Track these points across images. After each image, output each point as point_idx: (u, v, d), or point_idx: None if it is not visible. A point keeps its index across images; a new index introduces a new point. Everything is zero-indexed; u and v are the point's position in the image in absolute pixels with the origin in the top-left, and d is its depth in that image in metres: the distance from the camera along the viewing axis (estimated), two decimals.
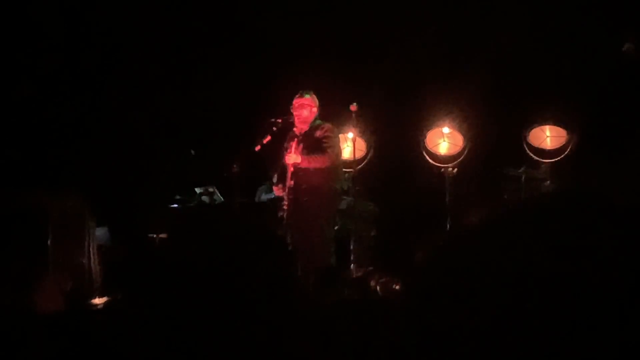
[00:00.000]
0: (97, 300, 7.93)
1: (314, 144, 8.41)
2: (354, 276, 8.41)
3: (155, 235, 9.09)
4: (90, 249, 8.99)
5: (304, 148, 8.43)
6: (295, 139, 8.55)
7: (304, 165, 8.37)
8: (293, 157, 8.42)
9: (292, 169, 8.44)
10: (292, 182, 8.42)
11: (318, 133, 8.46)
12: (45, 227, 8.73)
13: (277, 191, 8.76)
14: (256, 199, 10.15)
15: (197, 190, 9.87)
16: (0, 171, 10.07)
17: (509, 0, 10.05)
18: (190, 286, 1.66)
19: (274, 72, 10.24)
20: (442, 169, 10.44)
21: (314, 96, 8.64)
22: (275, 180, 9.02)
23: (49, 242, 8.69)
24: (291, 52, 10.52)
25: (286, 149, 8.59)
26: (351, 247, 9.41)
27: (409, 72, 10.37)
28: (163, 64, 10.72)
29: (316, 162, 8.35)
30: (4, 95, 10.52)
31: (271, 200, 9.47)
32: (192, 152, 10.00)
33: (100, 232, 9.65)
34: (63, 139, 10.64)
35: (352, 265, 9.17)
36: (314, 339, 1.44)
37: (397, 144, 10.85)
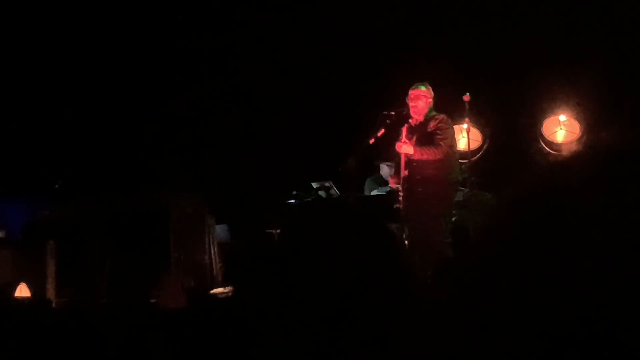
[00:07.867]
0: (218, 290, 8.08)
1: (427, 135, 8.32)
2: None
3: (274, 231, 9.19)
4: (211, 246, 9.18)
5: (417, 139, 8.35)
6: (407, 128, 8.48)
7: (417, 157, 8.28)
8: (405, 148, 8.34)
9: (405, 159, 8.39)
10: (406, 172, 8.36)
11: (432, 124, 8.36)
12: (166, 226, 8.97)
13: (392, 182, 8.74)
14: (366, 192, 10.14)
15: (314, 185, 9.92)
16: (122, 172, 10.35)
17: None
18: (307, 280, 1.68)
19: (387, 64, 10.23)
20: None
21: (429, 87, 8.53)
22: (391, 171, 9.01)
23: (170, 240, 8.92)
24: (404, 44, 10.49)
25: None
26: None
27: (523, 60, 10.23)
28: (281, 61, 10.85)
29: (428, 155, 8.25)
30: (127, 99, 10.81)
31: (386, 192, 9.45)
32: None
33: (220, 230, 9.83)
34: (183, 141, 10.86)
35: None
36: (429, 333, 1.44)
37: (512, 133, 10.72)
